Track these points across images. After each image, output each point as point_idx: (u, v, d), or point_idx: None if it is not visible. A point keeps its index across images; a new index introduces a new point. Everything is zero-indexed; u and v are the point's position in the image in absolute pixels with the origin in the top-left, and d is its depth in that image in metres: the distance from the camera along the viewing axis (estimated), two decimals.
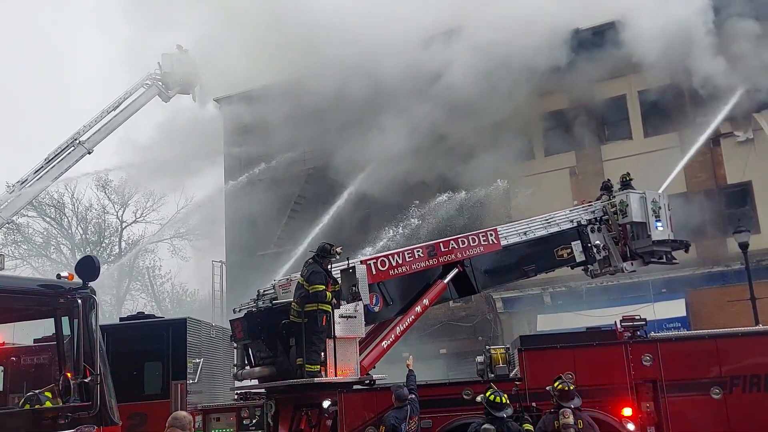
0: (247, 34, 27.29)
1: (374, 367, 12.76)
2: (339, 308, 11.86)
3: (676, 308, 23.85)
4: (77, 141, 27.44)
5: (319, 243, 12.77)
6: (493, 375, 12.21)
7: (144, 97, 30.19)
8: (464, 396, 11.75)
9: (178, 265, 43.36)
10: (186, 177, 34.02)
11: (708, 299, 24.06)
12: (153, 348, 14.23)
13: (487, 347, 12.93)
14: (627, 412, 11.47)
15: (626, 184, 16.14)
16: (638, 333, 12.30)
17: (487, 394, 10.08)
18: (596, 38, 25.67)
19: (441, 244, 13.96)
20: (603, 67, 25.78)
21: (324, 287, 11.78)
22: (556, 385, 10.25)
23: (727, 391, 11.36)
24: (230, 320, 13.49)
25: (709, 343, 11.82)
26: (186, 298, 44.70)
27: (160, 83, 30.62)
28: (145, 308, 36.62)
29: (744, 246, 21.39)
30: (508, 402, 9.99)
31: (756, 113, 24.50)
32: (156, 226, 42.18)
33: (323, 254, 12.21)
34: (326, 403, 11.99)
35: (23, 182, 26.32)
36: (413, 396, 11.02)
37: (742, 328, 13.16)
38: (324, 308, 11.75)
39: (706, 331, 13.54)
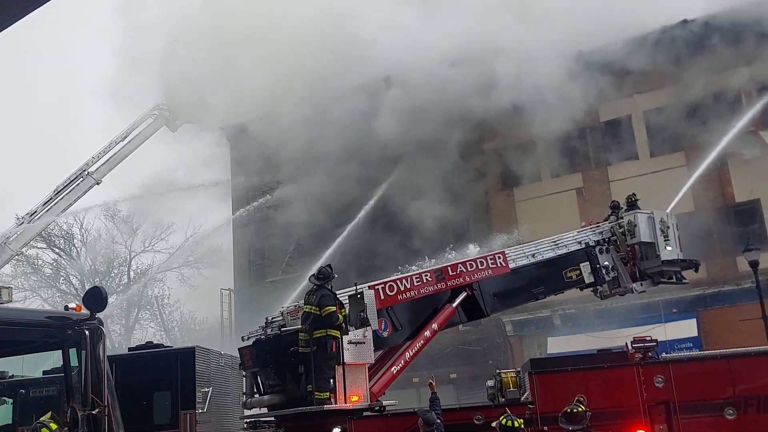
0: (249, 64, 27.66)
1: (384, 393, 12.68)
2: (347, 334, 11.82)
3: (687, 328, 23.65)
4: (86, 172, 27.69)
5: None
6: (504, 399, 12.10)
7: (151, 128, 30.46)
8: (475, 421, 11.65)
9: (187, 293, 43.36)
10: (194, 205, 34.19)
11: (719, 319, 23.86)
12: (162, 377, 14.21)
13: (498, 371, 12.84)
14: None
15: (632, 204, 16.10)
16: (650, 354, 12.18)
17: (501, 420, 9.96)
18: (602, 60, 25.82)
19: (449, 268, 13.93)
20: (608, 87, 26.06)
21: (335, 309, 11.81)
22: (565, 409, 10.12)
23: (741, 412, 11.21)
24: (239, 348, 13.46)
25: (721, 363, 11.69)
26: (195, 326, 44.64)
27: (168, 113, 30.87)
28: (154, 337, 36.59)
29: (754, 264, 21.25)
30: (523, 427, 9.86)
31: (762, 131, 24.49)
32: (164, 255, 42.27)
33: (326, 277, 12.25)
34: (336, 431, 11.89)
35: (32, 214, 26.49)
36: (439, 421, 10.87)
37: (755, 348, 13.02)
38: (333, 334, 11.72)
39: (719, 351, 13.39)
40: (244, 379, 13.26)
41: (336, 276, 12.41)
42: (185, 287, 42.91)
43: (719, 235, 24.44)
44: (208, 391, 14.26)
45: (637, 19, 23.94)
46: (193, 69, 29.26)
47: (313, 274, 12.54)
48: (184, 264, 41.81)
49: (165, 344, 20.27)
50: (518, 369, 13.32)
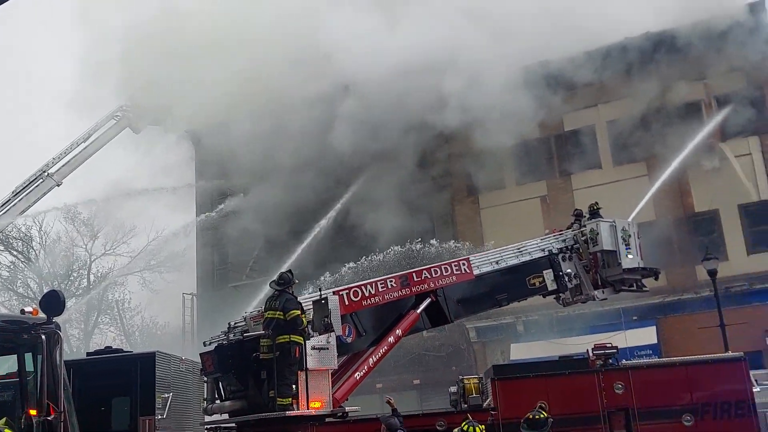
0: (211, 69, 27.49)
1: (347, 399, 12.63)
2: (310, 339, 11.77)
3: (647, 335, 24.03)
4: (46, 173, 27.10)
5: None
6: (466, 405, 12.15)
7: (114, 129, 29.95)
8: (438, 427, 11.69)
9: (149, 297, 42.66)
10: (157, 209, 33.76)
11: (678, 326, 24.28)
12: (121, 383, 13.98)
13: (461, 377, 12.89)
14: None
15: (595, 213, 16.27)
16: (610, 361, 12.34)
17: (463, 425, 10.02)
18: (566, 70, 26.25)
19: (414, 274, 13.95)
20: (574, 97, 26.53)
21: (299, 313, 11.78)
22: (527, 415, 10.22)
23: (698, 418, 11.43)
24: (200, 353, 13.28)
25: (680, 371, 11.91)
26: (156, 331, 43.92)
27: (131, 115, 30.43)
28: (113, 342, 35.94)
29: (712, 273, 21.70)
30: None
31: (722, 143, 25.05)
32: (126, 259, 41.58)
33: (287, 282, 12.21)
34: None
35: None
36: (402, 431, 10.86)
37: (713, 355, 13.28)
38: (296, 340, 11.66)
39: (678, 358, 13.62)
40: (206, 384, 13.08)
41: (297, 282, 12.38)
42: (147, 291, 42.28)
43: (679, 245, 24.90)
44: (168, 397, 14.05)
45: (601, 31, 24.33)
46: (155, 72, 28.93)
47: (274, 280, 12.47)
48: (146, 268, 41.18)
49: (125, 349, 19.96)
50: (481, 375, 13.40)
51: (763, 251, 24.49)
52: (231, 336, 12.67)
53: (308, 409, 11.58)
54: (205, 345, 13.20)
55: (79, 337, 41.11)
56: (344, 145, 25.24)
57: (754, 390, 12.02)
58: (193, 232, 32.30)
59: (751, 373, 12.33)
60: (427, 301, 13.90)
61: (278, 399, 11.41)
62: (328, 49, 25.54)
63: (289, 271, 12.58)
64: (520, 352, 25.03)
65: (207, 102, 27.57)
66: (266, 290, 25.27)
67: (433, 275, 14.01)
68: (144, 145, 31.93)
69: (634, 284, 16.37)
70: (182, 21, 28.58)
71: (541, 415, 10.12)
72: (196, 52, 27.73)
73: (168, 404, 13.96)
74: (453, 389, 12.82)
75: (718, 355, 13.81)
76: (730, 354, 14.49)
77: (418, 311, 13.77)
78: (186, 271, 35.78)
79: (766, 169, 24.70)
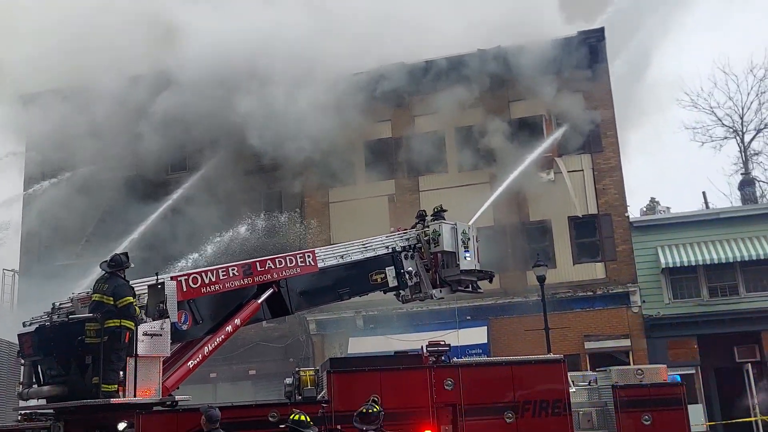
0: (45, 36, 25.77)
1: (178, 388, 12.22)
2: (142, 324, 11.27)
3: (478, 335, 25.18)
4: None
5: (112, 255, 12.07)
6: (300, 397, 12.12)
7: None
8: (270, 418, 11.55)
9: None
10: None
11: (507, 328, 25.67)
12: None
13: (297, 369, 12.83)
14: None
15: (438, 214, 16.74)
16: (442, 358, 12.75)
17: (293, 416, 9.96)
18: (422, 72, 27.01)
19: (257, 264, 13.69)
20: (425, 101, 27.31)
21: (133, 300, 11.23)
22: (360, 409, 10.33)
23: (519, 416, 12.05)
24: (18, 334, 12.34)
25: (504, 370, 12.50)
26: None
27: None
28: None
29: (541, 279, 23.13)
30: (311, 422, 9.93)
31: (558, 157, 26.72)
32: None
33: (119, 265, 11.61)
34: (122, 426, 11.24)
35: None
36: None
37: (535, 356, 14.09)
38: (127, 325, 11.12)
39: (503, 358, 14.32)
40: (22, 368, 12.17)
41: (132, 265, 11.78)
42: None
43: (513, 250, 26.30)
44: None
45: (449, 42, 25.29)
46: None
47: (105, 261, 11.80)
48: None
49: None
50: (317, 368, 13.40)
51: (586, 262, 26.44)
52: (55, 317, 11.87)
53: (135, 396, 11.09)
54: (24, 326, 12.29)
55: None
56: (156, 139, 24.68)
57: (570, 390, 12.85)
58: (19, 204, 30.08)
59: (569, 374, 13.20)
60: (269, 291, 13.68)
61: (103, 386, 10.82)
62: (159, 31, 24.79)
63: (125, 253, 11.91)
64: (359, 346, 25.40)
65: (36, 66, 25.73)
66: (98, 271, 24.09)
67: (278, 266, 13.82)
68: None
69: (470, 285, 16.95)
70: None
71: (374, 409, 10.25)
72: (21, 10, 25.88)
73: None
74: (288, 381, 12.72)
75: (539, 356, 14.66)
76: (550, 356, 15.42)
77: (259, 301, 13.53)
78: (9, 246, 33.20)
79: (595, 185, 26.67)
